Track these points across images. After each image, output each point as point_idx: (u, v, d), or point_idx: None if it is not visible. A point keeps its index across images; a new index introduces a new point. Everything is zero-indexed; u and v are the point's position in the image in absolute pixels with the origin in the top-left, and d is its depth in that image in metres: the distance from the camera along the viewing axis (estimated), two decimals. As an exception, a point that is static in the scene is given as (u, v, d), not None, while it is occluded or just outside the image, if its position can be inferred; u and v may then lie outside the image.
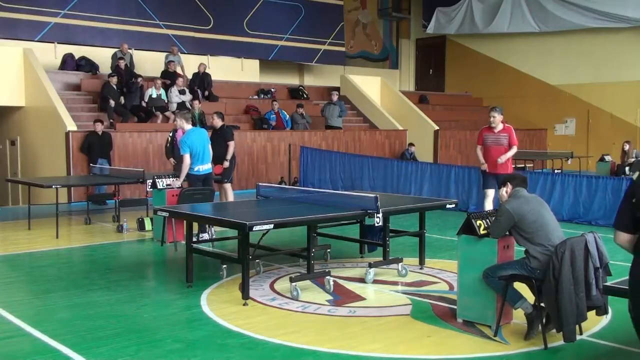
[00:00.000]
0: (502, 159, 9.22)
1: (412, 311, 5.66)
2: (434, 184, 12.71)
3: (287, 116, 16.84)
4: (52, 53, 16.03)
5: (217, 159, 10.89)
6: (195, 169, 9.08)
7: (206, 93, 16.58)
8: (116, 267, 7.53)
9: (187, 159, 8.81)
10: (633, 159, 16.65)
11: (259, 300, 5.96)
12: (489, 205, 9.48)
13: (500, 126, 9.31)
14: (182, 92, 15.51)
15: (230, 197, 10.80)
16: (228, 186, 10.85)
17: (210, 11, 18.70)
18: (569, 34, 21.15)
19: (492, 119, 9.31)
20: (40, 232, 9.74)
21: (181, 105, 15.21)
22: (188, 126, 9.14)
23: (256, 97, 18.37)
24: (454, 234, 5.39)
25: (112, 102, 14.35)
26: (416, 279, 6.81)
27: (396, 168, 13.63)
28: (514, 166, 10.68)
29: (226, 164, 10.81)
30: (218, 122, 10.72)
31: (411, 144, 18.16)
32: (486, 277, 4.93)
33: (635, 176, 3.14)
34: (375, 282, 6.65)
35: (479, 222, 5.10)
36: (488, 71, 23.40)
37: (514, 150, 9.37)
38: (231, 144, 10.77)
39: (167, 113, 15.22)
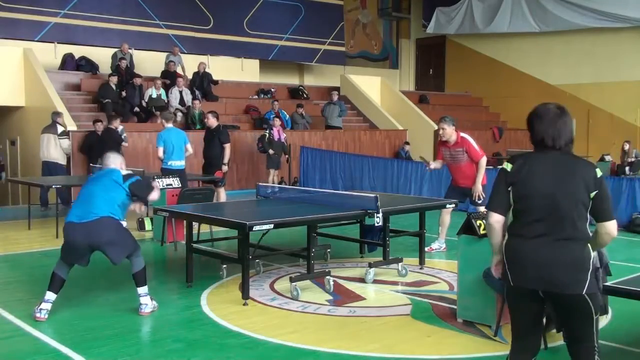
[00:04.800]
0: (476, 190, 7.75)
1: (412, 311, 5.66)
2: (434, 184, 12.71)
3: (287, 116, 16.84)
4: (52, 53, 16.02)
5: (212, 159, 10.96)
6: (169, 163, 10.07)
7: (206, 93, 16.58)
8: (116, 267, 7.50)
9: (159, 152, 10.10)
10: (633, 159, 16.65)
11: (259, 300, 5.96)
12: (443, 231, 8.18)
13: (453, 138, 7.73)
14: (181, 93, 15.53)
15: (223, 199, 10.89)
16: (222, 189, 10.95)
17: (210, 11, 18.70)
18: (569, 34, 21.13)
19: (441, 131, 7.75)
20: (40, 232, 9.74)
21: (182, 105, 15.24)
22: (168, 125, 10.24)
23: (256, 97, 18.36)
24: (454, 234, 5.39)
25: (108, 102, 14.36)
26: (416, 279, 6.81)
27: (396, 168, 13.63)
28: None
29: (225, 168, 10.99)
30: (214, 122, 10.87)
31: (407, 143, 18.22)
32: (486, 277, 4.93)
33: (509, 167, 3.14)
34: (375, 282, 6.65)
35: (479, 222, 5.11)
36: (488, 71, 23.38)
37: (482, 165, 7.74)
38: (228, 147, 10.90)
39: (167, 113, 15.22)
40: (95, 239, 5.35)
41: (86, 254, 5.48)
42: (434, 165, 8.26)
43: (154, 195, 5.84)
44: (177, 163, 10.11)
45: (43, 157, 11.98)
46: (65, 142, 12.01)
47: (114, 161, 5.85)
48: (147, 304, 5.55)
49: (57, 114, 12.35)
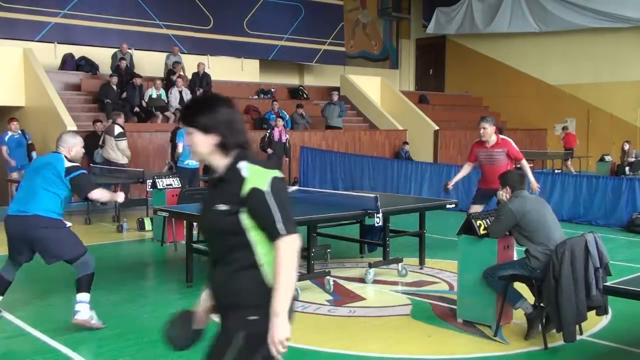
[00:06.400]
0: (534, 187, 7.49)
1: (412, 311, 5.66)
2: (433, 184, 12.70)
3: (287, 116, 16.84)
4: (52, 53, 16.02)
5: None
6: (186, 162, 10.21)
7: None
8: (116, 267, 7.52)
9: (179, 147, 10.27)
10: (633, 159, 16.66)
11: (259, 300, 5.95)
12: None
13: (493, 139, 7.43)
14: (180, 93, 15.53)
15: None
16: None
17: (210, 11, 18.69)
18: (569, 34, 21.14)
19: (482, 130, 7.39)
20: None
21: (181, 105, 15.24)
22: None
23: (256, 97, 18.36)
24: (454, 234, 5.39)
25: (108, 102, 14.35)
26: (416, 279, 6.81)
27: (396, 168, 13.63)
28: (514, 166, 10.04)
29: None
30: None
31: (405, 143, 18.24)
32: (486, 277, 4.93)
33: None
34: (375, 282, 6.66)
35: (479, 222, 5.11)
36: (488, 71, 23.39)
37: (526, 165, 7.62)
38: None
39: (167, 113, 15.21)
40: (30, 233, 5.06)
41: (24, 249, 5.19)
42: (456, 179, 8.02)
43: (99, 195, 5.25)
44: (194, 162, 10.27)
45: (106, 157, 12.21)
46: (123, 144, 12.04)
47: (64, 143, 5.26)
48: (81, 310, 5.05)
49: (117, 114, 12.37)
